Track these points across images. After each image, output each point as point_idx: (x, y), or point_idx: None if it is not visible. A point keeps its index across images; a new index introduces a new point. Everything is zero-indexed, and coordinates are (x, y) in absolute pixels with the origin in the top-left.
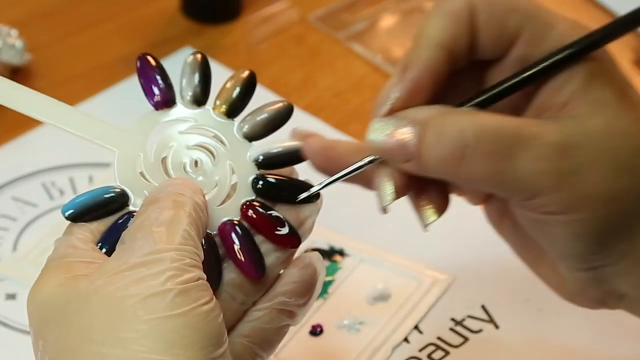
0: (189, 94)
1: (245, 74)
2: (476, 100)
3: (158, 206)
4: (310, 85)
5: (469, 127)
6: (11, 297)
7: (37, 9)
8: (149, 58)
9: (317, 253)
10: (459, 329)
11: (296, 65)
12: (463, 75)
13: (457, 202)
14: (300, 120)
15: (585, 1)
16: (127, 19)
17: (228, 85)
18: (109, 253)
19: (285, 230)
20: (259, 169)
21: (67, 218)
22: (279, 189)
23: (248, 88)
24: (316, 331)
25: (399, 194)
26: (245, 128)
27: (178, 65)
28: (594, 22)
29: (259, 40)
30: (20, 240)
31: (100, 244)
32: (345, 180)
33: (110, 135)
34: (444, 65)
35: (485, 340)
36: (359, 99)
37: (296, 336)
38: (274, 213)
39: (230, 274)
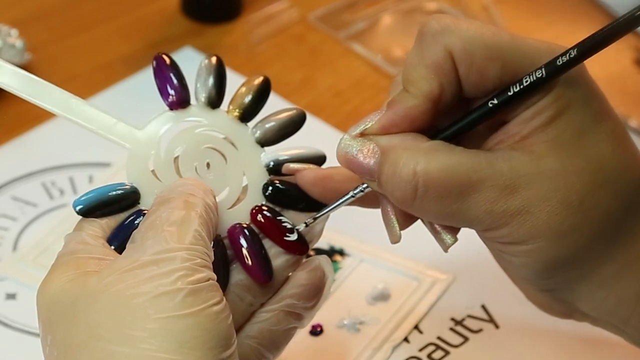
0: (203, 96)
1: (259, 80)
2: (444, 134)
3: (169, 206)
4: (310, 85)
5: (420, 171)
6: (11, 297)
7: (37, 9)
8: (165, 58)
9: (325, 256)
10: (459, 328)
11: (296, 65)
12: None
13: None
14: None
15: (585, 1)
16: (127, 19)
17: (242, 90)
18: (118, 250)
19: (293, 237)
20: (270, 174)
21: (78, 213)
22: (289, 196)
23: (262, 94)
24: (316, 331)
25: (403, 226)
26: (258, 133)
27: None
28: (593, 22)
29: (259, 40)
30: (20, 240)
31: (110, 241)
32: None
33: (124, 131)
34: (426, 115)
35: (485, 340)
36: (359, 99)
37: (296, 336)
38: (283, 219)
39: (238, 275)
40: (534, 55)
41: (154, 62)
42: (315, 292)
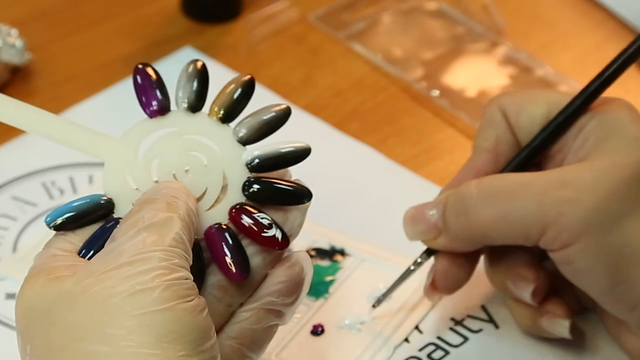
0: (184, 102)
1: (245, 78)
2: (509, 167)
3: (152, 207)
4: (310, 85)
5: (474, 183)
6: (11, 296)
7: (37, 9)
8: (148, 70)
9: (304, 252)
10: (459, 328)
11: (296, 65)
12: None
13: None
14: (300, 120)
15: (585, 1)
16: (127, 19)
17: (225, 91)
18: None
19: (272, 232)
20: (251, 172)
21: (50, 228)
22: (269, 192)
23: (245, 93)
24: (317, 331)
25: (464, 279)
26: (242, 132)
27: (178, 65)
28: (593, 22)
29: (259, 40)
30: (21, 240)
31: (83, 252)
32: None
33: (99, 142)
34: (487, 165)
35: (485, 340)
36: (359, 99)
37: (297, 336)
38: (262, 215)
39: (215, 276)
40: (566, 95)
41: (137, 77)
42: (295, 288)
